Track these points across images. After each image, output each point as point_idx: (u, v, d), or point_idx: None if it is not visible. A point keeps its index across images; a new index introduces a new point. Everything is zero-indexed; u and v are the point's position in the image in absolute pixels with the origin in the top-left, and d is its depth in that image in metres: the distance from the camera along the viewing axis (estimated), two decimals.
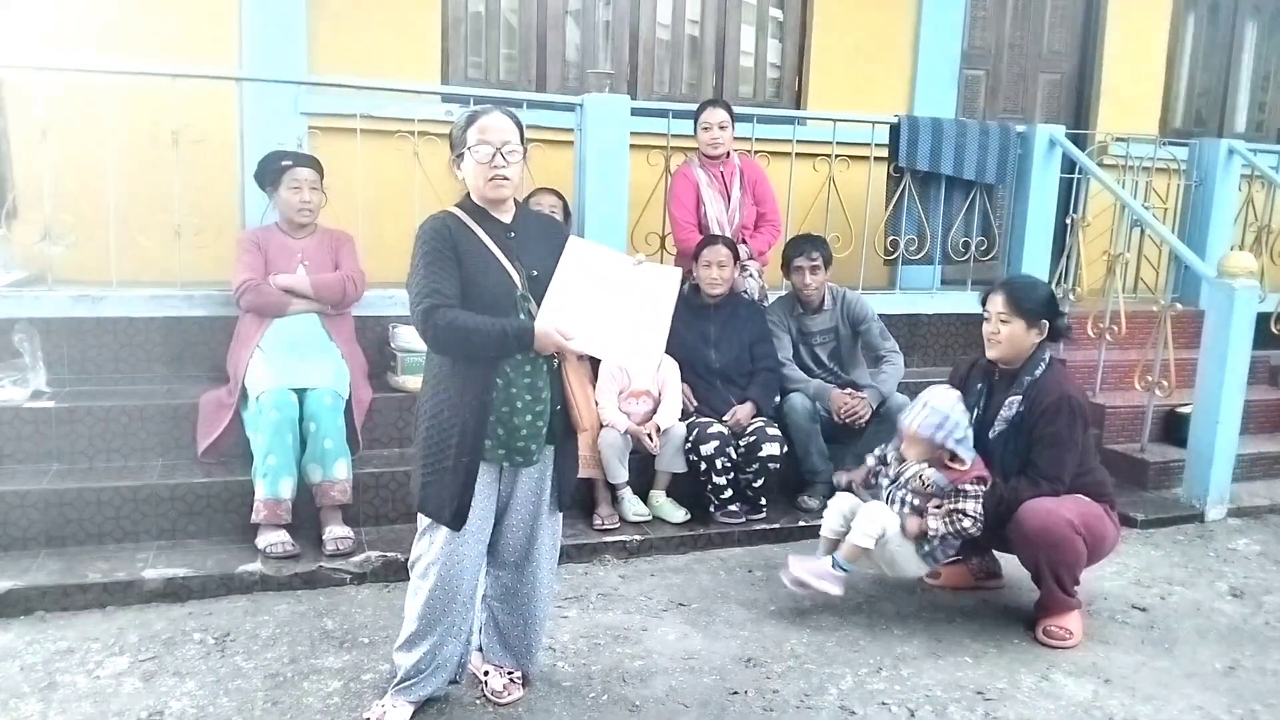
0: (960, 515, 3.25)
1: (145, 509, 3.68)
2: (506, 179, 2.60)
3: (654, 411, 4.21)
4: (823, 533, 3.50)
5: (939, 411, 3.29)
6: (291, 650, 3.09)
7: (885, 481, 3.45)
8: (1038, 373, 3.39)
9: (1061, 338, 3.49)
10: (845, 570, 3.38)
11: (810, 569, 3.39)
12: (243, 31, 4.86)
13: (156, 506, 3.69)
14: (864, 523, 3.34)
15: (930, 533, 3.28)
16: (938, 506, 3.29)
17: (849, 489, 3.59)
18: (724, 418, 4.20)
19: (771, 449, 4.12)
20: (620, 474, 4.10)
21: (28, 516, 3.56)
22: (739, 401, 4.28)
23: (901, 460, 3.41)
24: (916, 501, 3.33)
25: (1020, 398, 3.38)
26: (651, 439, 4.07)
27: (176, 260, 4.24)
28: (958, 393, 3.41)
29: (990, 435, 3.41)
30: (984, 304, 3.48)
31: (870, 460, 3.59)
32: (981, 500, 3.28)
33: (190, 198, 4.25)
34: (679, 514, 4.17)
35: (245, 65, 4.82)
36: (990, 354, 3.46)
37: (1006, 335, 3.38)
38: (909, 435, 3.35)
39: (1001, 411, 3.40)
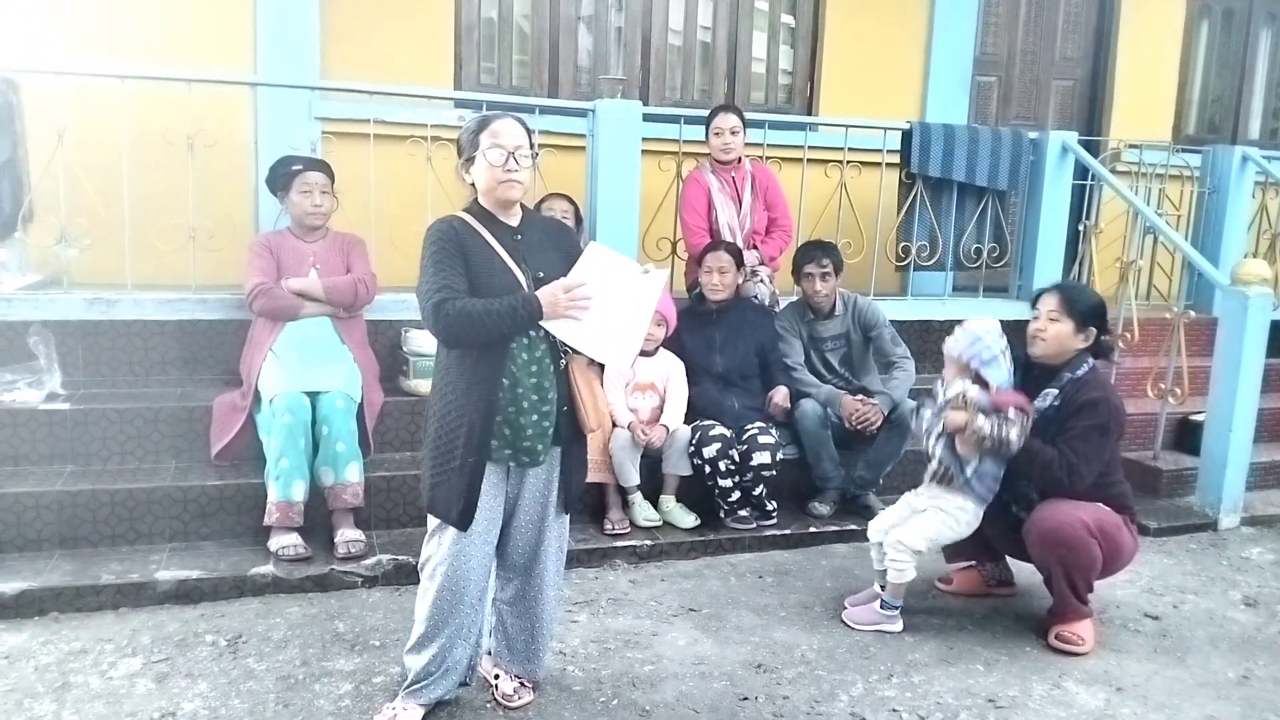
0: (1007, 423, 3.20)
1: (158, 511, 3.70)
2: (519, 181, 2.62)
3: (660, 407, 4.23)
4: (875, 568, 3.53)
5: (971, 333, 3.31)
6: (303, 652, 3.10)
7: (928, 414, 3.40)
8: (1079, 372, 3.36)
9: (1105, 355, 3.47)
10: (895, 607, 3.42)
11: (862, 618, 3.45)
12: (257, 37, 4.89)
13: (169, 509, 3.71)
14: (895, 556, 3.38)
15: (977, 428, 3.21)
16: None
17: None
18: (769, 397, 4.37)
19: (762, 457, 4.11)
20: (632, 476, 4.10)
21: (42, 518, 3.59)
22: (739, 404, 4.29)
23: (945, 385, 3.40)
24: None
25: (1057, 391, 3.35)
26: (647, 433, 4.08)
27: (190, 264, 4.27)
28: (996, 321, 3.37)
29: None
30: (1034, 304, 3.46)
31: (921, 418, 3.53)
32: (1023, 427, 3.23)
33: (204, 201, 4.28)
34: (689, 519, 4.17)
35: (260, 70, 4.85)
36: (1032, 350, 3.43)
37: (1053, 334, 3.36)
38: (946, 355, 3.39)
39: (1036, 402, 3.36)
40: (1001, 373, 3.28)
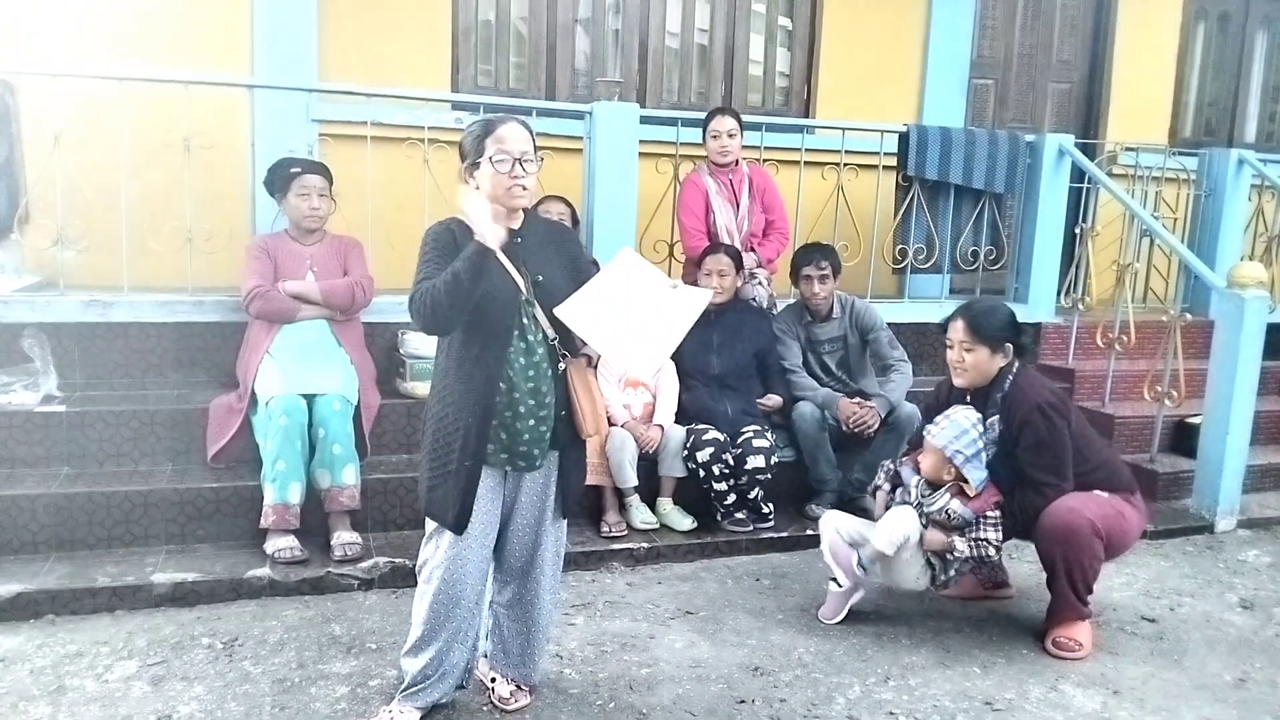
0: (985, 543, 3.29)
1: (154, 513, 3.70)
2: (526, 188, 2.61)
3: (652, 404, 4.25)
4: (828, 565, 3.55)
5: (957, 425, 3.31)
6: (299, 655, 3.10)
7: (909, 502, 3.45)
8: (1006, 386, 3.38)
9: (1026, 354, 3.48)
10: (864, 570, 3.43)
11: (838, 553, 3.46)
12: (255, 39, 4.89)
13: (166, 511, 3.71)
14: (889, 528, 3.36)
15: (956, 553, 3.29)
16: (962, 535, 3.31)
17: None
18: (761, 400, 4.39)
19: (756, 461, 4.10)
20: (629, 478, 4.10)
21: (38, 520, 3.58)
22: (734, 408, 4.29)
23: (924, 488, 3.41)
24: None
25: (997, 416, 3.37)
26: (644, 434, 4.10)
27: (187, 266, 4.26)
28: (978, 415, 3.38)
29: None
30: (944, 330, 3.47)
31: (881, 477, 3.60)
32: (1001, 527, 3.30)
33: (201, 204, 4.28)
34: (686, 522, 4.17)
35: (257, 72, 4.85)
36: (957, 382, 3.45)
37: (971, 363, 3.38)
38: (926, 445, 3.38)
39: (986, 434, 3.37)
40: (982, 471, 3.30)
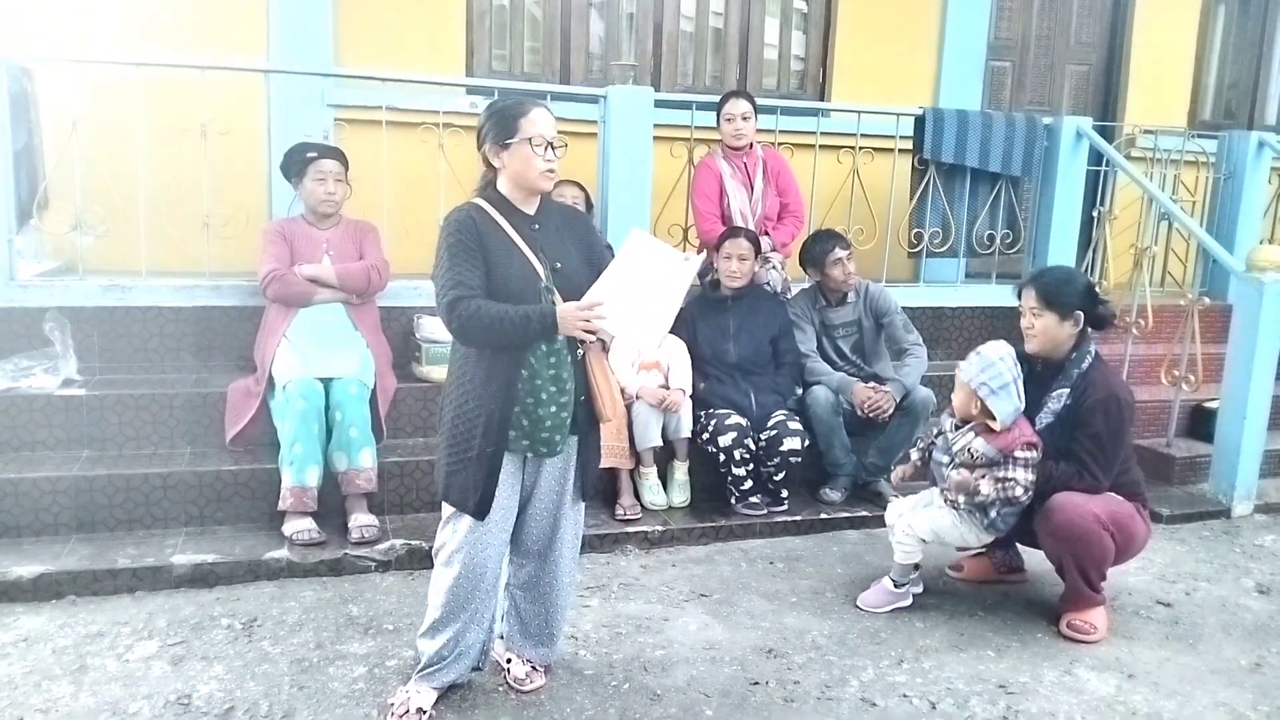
0: (1011, 483, 3.23)
1: (174, 496, 3.73)
2: (555, 171, 2.65)
3: (664, 385, 4.25)
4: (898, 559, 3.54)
5: (985, 358, 3.28)
6: (317, 636, 3.13)
7: (944, 458, 3.41)
8: (1085, 366, 3.35)
9: (1104, 326, 3.46)
10: (905, 583, 3.47)
11: (878, 602, 3.49)
12: (270, 24, 4.90)
13: (185, 493, 3.74)
14: (903, 539, 3.43)
15: (980, 496, 3.26)
16: (986, 474, 3.28)
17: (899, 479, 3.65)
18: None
19: (793, 443, 4.12)
20: (653, 437, 4.12)
21: (59, 503, 3.62)
22: (758, 395, 4.28)
23: (955, 429, 3.40)
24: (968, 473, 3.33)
25: (1068, 390, 3.35)
26: (665, 397, 4.11)
27: (205, 250, 4.29)
28: (1011, 348, 3.33)
29: (1036, 427, 3.38)
30: (1018, 297, 3.46)
31: (914, 455, 3.59)
32: (1033, 469, 3.25)
33: (219, 188, 4.30)
34: (681, 497, 4.22)
35: (273, 58, 4.87)
36: (1028, 348, 3.43)
37: (1041, 329, 3.36)
38: (956, 382, 3.37)
39: (1049, 404, 3.37)
40: (1009, 403, 3.24)
